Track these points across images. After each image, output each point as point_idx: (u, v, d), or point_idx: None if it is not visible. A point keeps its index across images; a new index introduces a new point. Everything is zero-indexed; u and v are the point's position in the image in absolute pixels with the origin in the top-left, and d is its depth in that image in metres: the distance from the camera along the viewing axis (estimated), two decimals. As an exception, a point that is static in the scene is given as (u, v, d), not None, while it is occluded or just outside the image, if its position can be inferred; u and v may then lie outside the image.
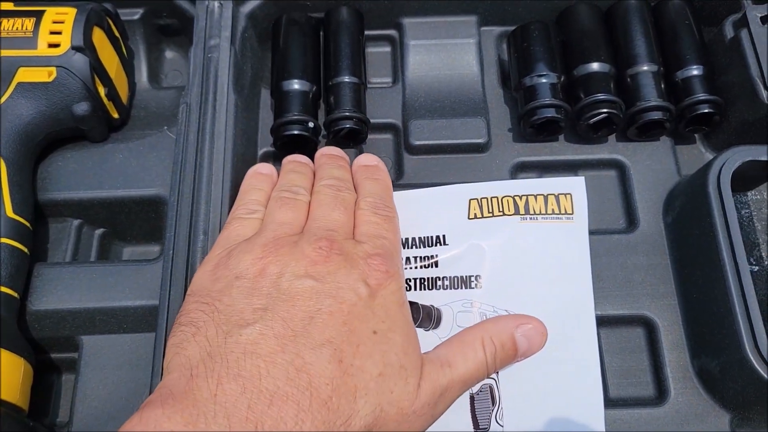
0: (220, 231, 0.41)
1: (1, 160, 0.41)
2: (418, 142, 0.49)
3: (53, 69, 0.42)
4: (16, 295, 0.39)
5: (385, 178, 0.42)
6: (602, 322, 0.44)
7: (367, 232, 0.37)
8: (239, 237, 0.37)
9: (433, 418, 0.33)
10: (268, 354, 0.30)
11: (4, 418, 0.34)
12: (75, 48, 0.42)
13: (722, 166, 0.42)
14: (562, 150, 0.49)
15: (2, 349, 0.36)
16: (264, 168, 0.43)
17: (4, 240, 0.39)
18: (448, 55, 0.52)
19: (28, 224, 0.41)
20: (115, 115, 0.47)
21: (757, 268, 0.48)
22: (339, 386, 0.29)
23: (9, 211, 0.40)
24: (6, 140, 0.42)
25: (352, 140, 0.49)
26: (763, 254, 0.48)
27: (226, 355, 0.29)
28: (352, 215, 0.39)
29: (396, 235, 0.39)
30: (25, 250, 0.40)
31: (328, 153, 0.44)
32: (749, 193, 0.50)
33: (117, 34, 0.47)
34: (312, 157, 0.49)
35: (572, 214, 0.44)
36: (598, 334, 0.43)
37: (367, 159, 0.44)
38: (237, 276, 0.33)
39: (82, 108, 0.43)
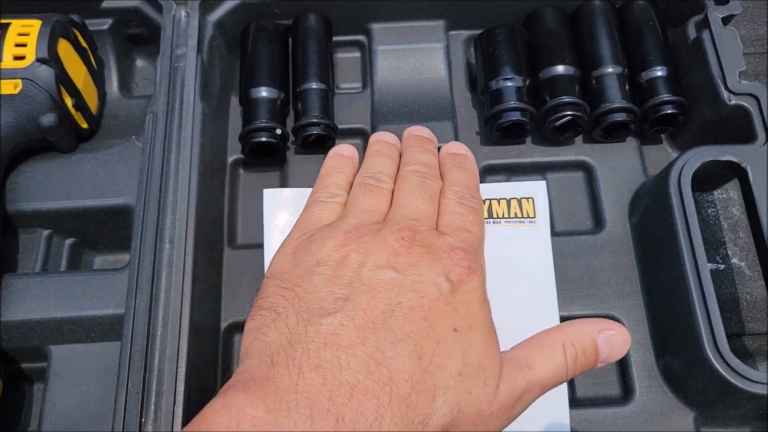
0: (186, 238, 0.41)
1: (-32, 173, 0.41)
2: (386, 147, 0.49)
3: (19, 81, 0.43)
4: (-17, 306, 0.40)
5: (473, 168, 0.41)
6: (569, 322, 0.45)
7: (452, 223, 0.36)
8: (320, 221, 0.37)
9: (509, 420, 0.32)
10: (349, 345, 0.29)
11: (-31, 429, 0.35)
12: (40, 60, 0.43)
13: (683, 167, 0.43)
14: (529, 152, 0.50)
15: (-32, 361, 0.37)
16: (345, 150, 0.43)
17: (-29, 252, 0.39)
18: (416, 60, 0.52)
19: (-6, 235, 0.41)
20: (84, 126, 0.47)
21: (723, 266, 0.48)
22: (418, 383, 0.29)
23: (-25, 223, 0.40)
24: (-27, 153, 0.42)
25: (321, 146, 0.49)
26: (729, 252, 0.48)
27: (307, 344, 0.29)
28: (436, 204, 0.38)
29: (481, 229, 0.37)
30: (-8, 261, 0.41)
31: (417, 134, 0.44)
32: (715, 192, 0.50)
33: (84, 44, 0.47)
34: (281, 163, 0.49)
35: (534, 217, 0.45)
36: (564, 335, 0.44)
37: (455, 147, 0.43)
38: (318, 262, 0.33)
39: (48, 119, 0.44)
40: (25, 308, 0.41)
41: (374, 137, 0.44)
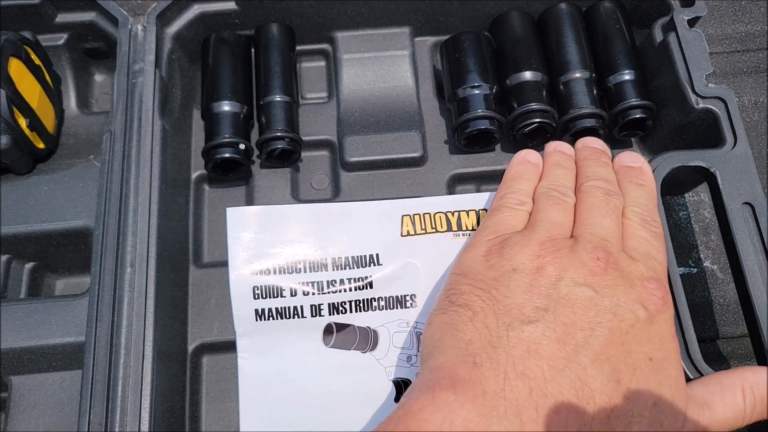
0: (148, 261, 0.40)
1: None
2: (353, 159, 0.48)
3: (-32, 104, 0.41)
4: (-63, 339, 0.38)
5: (651, 184, 0.40)
6: (542, 332, 0.44)
7: (638, 248, 0.36)
8: (510, 227, 0.37)
9: None
10: (551, 357, 0.29)
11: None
12: (-10, 81, 0.41)
13: (653, 173, 0.42)
14: (498, 160, 0.49)
15: None
16: (532, 156, 0.43)
17: None
18: (382, 68, 0.51)
19: (-52, 264, 0.40)
20: (41, 146, 0.46)
21: (695, 269, 0.48)
22: (617, 407, 0.29)
23: (-74, 253, 0.39)
24: None
25: (286, 160, 0.48)
26: (701, 256, 0.48)
27: (510, 349, 0.29)
28: (620, 224, 0.37)
29: (665, 256, 0.37)
30: (-54, 291, 0.39)
31: (591, 146, 0.43)
32: (686, 195, 0.50)
33: (38, 62, 0.46)
34: (247, 178, 0.48)
35: (507, 226, 0.44)
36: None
37: (631, 159, 0.42)
38: (514, 268, 0.33)
39: (2, 142, 0.42)
40: (-18, 339, 0.40)
41: (551, 147, 0.44)
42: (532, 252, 0.34)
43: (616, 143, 0.50)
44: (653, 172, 0.42)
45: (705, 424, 0.32)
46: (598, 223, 0.36)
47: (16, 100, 0.43)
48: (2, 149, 0.42)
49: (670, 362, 0.32)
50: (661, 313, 0.33)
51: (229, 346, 0.44)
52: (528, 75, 0.47)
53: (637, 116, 0.46)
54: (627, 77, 0.47)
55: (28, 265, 0.46)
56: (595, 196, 0.38)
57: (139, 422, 0.37)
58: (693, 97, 0.45)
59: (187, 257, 0.46)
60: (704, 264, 0.48)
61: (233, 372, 0.43)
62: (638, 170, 0.41)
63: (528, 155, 0.43)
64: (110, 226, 0.41)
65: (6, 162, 0.44)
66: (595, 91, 0.48)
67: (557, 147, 0.43)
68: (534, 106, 0.46)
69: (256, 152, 0.48)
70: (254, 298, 0.41)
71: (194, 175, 0.49)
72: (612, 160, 0.42)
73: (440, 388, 0.28)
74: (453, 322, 0.32)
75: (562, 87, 0.48)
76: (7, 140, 0.42)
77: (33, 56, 0.45)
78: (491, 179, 0.49)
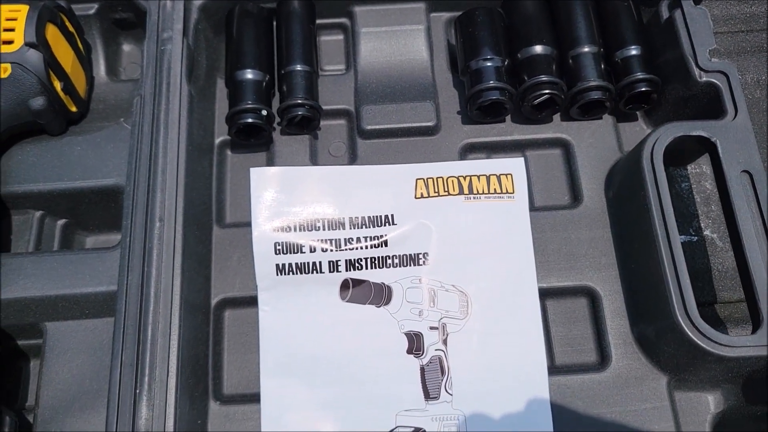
0: (176, 217, 0.42)
1: (-40, 155, 0.42)
2: (369, 127, 0.50)
3: (8, 65, 0.44)
4: (-22, 284, 0.41)
5: None
6: (547, 293, 0.46)
7: None
8: None
9: None
10: None
11: (-31, 402, 0.36)
12: (28, 44, 0.43)
13: (655, 143, 0.44)
14: (508, 131, 0.51)
15: (-34, 337, 0.38)
16: None
17: (-35, 232, 0.40)
18: (398, 42, 0.54)
19: (-12, 216, 0.42)
20: (73, 109, 0.48)
21: (696, 238, 0.50)
22: None
23: (-31, 204, 0.41)
24: (-35, 136, 0.43)
25: (305, 127, 0.50)
26: (701, 225, 0.50)
27: None
28: None
29: None
30: (-13, 241, 0.42)
31: None
32: (689, 167, 0.52)
33: (71, 29, 0.48)
34: (268, 144, 0.50)
35: (513, 193, 0.46)
36: (544, 305, 0.46)
37: None
38: None
39: (38, 103, 0.44)
40: (20, 287, 0.43)
41: None
42: None
43: (622, 117, 0.52)
44: (655, 142, 0.44)
45: None
46: None
47: (52, 64, 0.45)
48: (39, 110, 0.45)
49: None
50: None
51: (250, 302, 0.46)
52: (538, 49, 0.49)
53: (643, 89, 0.48)
54: (633, 52, 0.49)
55: (60, 222, 0.48)
56: None
57: (168, 365, 0.39)
58: (696, 71, 0.46)
59: (210, 217, 0.48)
60: (704, 233, 0.50)
61: (253, 326, 0.46)
62: None
63: None
64: (140, 183, 0.43)
65: (41, 123, 0.46)
66: (602, 66, 0.50)
67: None
68: (544, 78, 0.48)
69: (277, 119, 0.50)
70: (275, 253, 0.43)
71: (217, 140, 0.51)
72: None
73: None
74: None
75: (571, 61, 0.50)
76: (43, 101, 0.45)
77: (67, 23, 0.48)
78: (501, 149, 0.51)
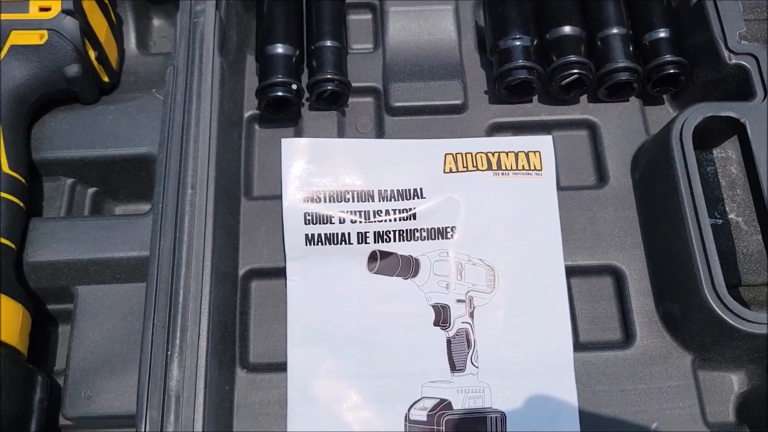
0: (207, 185, 0.43)
1: (-3, 119, 0.43)
2: (398, 104, 0.51)
3: (45, 32, 0.44)
4: (13, 246, 0.41)
5: None
6: (573, 272, 0.46)
7: None
8: None
9: None
10: None
11: (4, 359, 0.36)
12: (65, 11, 0.44)
13: (684, 122, 0.44)
14: (535, 111, 0.52)
15: (2, 295, 0.38)
16: None
17: (1, 194, 0.41)
18: (426, 21, 0.54)
19: (23, 180, 0.43)
20: (105, 79, 0.49)
21: (721, 221, 0.50)
22: None
23: (5, 167, 0.42)
24: (1, 100, 0.43)
25: (334, 103, 0.51)
26: (726, 208, 0.50)
27: None
28: None
29: None
30: (21, 204, 0.42)
31: None
32: (714, 151, 0.52)
33: (105, 0, 0.49)
34: (296, 119, 0.51)
35: (541, 170, 0.47)
36: (569, 283, 0.46)
37: None
38: None
39: (73, 70, 0.45)
40: (53, 250, 0.43)
41: None
42: None
43: (649, 100, 0.52)
44: (685, 122, 0.44)
45: None
46: None
47: (87, 32, 0.46)
48: (74, 77, 0.45)
49: None
50: None
51: (277, 273, 0.46)
52: (567, 29, 0.50)
53: (671, 71, 0.49)
54: (662, 35, 0.50)
55: (91, 190, 0.49)
56: None
57: (198, 329, 0.39)
58: (726, 54, 0.47)
59: (239, 189, 0.49)
60: (729, 216, 0.50)
61: (280, 297, 0.46)
62: None
63: None
64: (173, 151, 0.43)
65: (75, 90, 0.46)
66: (631, 48, 0.50)
67: None
68: (573, 58, 0.48)
69: (306, 95, 0.51)
70: (305, 223, 0.44)
71: (246, 114, 0.52)
72: None
73: None
74: None
75: (599, 42, 0.50)
76: (78, 69, 0.45)
77: (102, -6, 0.48)
78: (528, 129, 0.51)
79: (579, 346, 0.45)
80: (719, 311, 0.40)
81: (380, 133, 0.51)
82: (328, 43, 0.50)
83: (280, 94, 0.48)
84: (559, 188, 0.48)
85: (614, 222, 0.48)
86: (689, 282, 0.42)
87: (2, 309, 0.38)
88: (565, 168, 0.50)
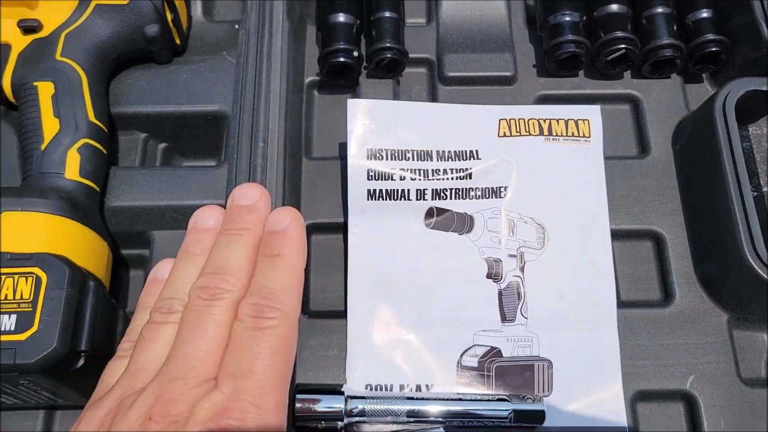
0: (278, 140, 0.45)
1: (83, 73, 0.46)
2: (451, 74, 0.54)
3: (129, -7, 0.47)
4: (97, 188, 0.44)
5: (291, 254, 0.35)
6: (615, 235, 0.49)
7: (230, 365, 0.31)
8: (107, 386, 0.33)
9: None
10: None
11: (93, 290, 0.39)
12: (148, -26, 0.47)
13: (727, 95, 0.47)
14: (581, 85, 0.54)
15: (91, 231, 0.41)
16: (161, 271, 0.38)
17: (88, 140, 0.44)
18: (478, -2, 0.57)
19: (105, 129, 0.46)
20: (178, 41, 0.52)
21: (755, 193, 0.53)
22: None
23: (91, 116, 0.45)
24: (86, 56, 0.46)
25: (391, 71, 0.53)
26: (761, 182, 0.53)
27: None
28: (220, 335, 0.32)
29: (271, 360, 0.31)
30: (104, 150, 0.45)
31: (236, 203, 0.37)
32: (750, 127, 0.54)
33: (179, -35, 0.52)
34: (354, 86, 0.54)
35: (589, 137, 0.49)
36: (611, 245, 0.49)
37: (276, 220, 0.36)
38: None
39: (152, 29, 0.48)
40: (131, 196, 0.46)
41: (191, 221, 0.38)
42: (93, 427, 0.30)
43: (689, 78, 0.55)
44: (728, 94, 0.47)
45: None
46: (179, 352, 0.31)
47: (166, -5, 0.48)
48: (153, 36, 0.48)
49: None
50: None
51: (335, 228, 0.49)
52: (615, 7, 0.52)
53: (713, 50, 0.51)
54: (704, 15, 0.52)
55: (162, 145, 0.52)
56: (193, 306, 0.33)
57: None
58: (766, 33, 0.49)
59: (300, 149, 0.52)
60: (763, 189, 0.53)
61: (338, 251, 0.49)
62: (279, 235, 0.36)
63: (158, 271, 0.38)
64: (246, 108, 0.46)
65: (152, 50, 0.49)
66: (675, 28, 0.53)
67: (196, 221, 0.38)
68: (620, 34, 0.51)
69: (364, 64, 0.53)
70: (367, 179, 0.46)
71: (307, 80, 0.54)
72: None
73: None
74: None
75: (644, 21, 0.53)
76: (157, 29, 0.48)
77: (176, -40, 0.51)
78: (574, 101, 0.54)
79: (621, 303, 0.47)
80: (758, 269, 0.43)
81: (433, 101, 0.53)
82: (387, 14, 0.53)
83: (342, 59, 0.51)
84: (604, 158, 0.51)
85: (655, 190, 0.51)
86: (730, 243, 0.44)
87: (91, 244, 0.41)
88: (608, 139, 0.52)
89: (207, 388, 0.30)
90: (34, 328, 0.36)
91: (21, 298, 0.36)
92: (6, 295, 0.36)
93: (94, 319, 0.38)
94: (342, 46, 0.51)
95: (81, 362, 0.37)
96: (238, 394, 0.29)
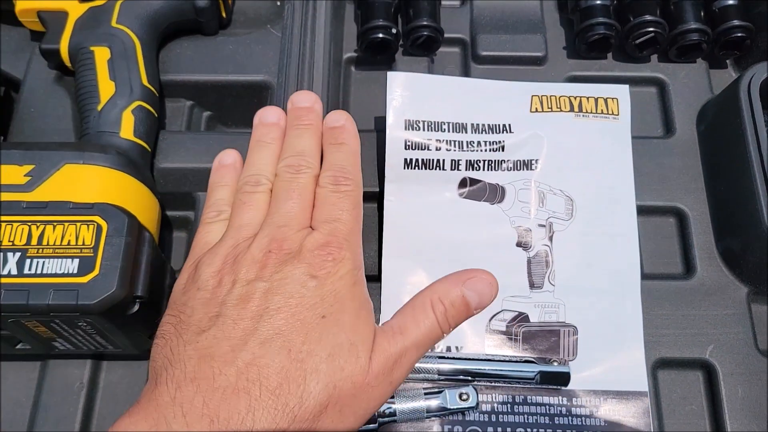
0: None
1: (137, 39, 0.48)
2: (484, 53, 0.56)
3: (181, -36, 0.49)
4: (148, 148, 0.46)
5: (351, 141, 0.43)
6: (639, 211, 0.51)
7: (321, 216, 0.38)
8: (206, 245, 0.39)
9: (392, 384, 0.34)
10: (222, 355, 0.32)
11: (148, 243, 0.41)
12: (200, -53, 0.49)
13: (752, 77, 0.49)
14: (609, 67, 0.56)
15: (144, 186, 0.43)
16: (227, 158, 0.44)
17: (141, 103, 0.46)
18: (511, -18, 0.59)
19: (156, 93, 0.48)
20: (224, 15, 0.54)
21: (775, 176, 0.54)
22: (288, 372, 0.31)
23: (144, 80, 0.47)
24: (139, 23, 0.49)
25: (427, 49, 0.56)
26: (781, 165, 0.55)
27: (185, 361, 0.32)
28: (309, 198, 0.39)
29: (352, 212, 0.39)
30: (155, 113, 0.47)
31: (298, 105, 0.44)
32: None
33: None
34: (389, 63, 0.56)
35: (618, 115, 0.51)
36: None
37: (333, 119, 0.43)
38: (199, 287, 0.35)
39: (203, 1, 0.50)
40: (179, 158, 0.48)
41: (256, 118, 0.44)
42: (214, 269, 0.36)
43: (714, 63, 0.57)
44: (753, 76, 0.49)
45: (397, 350, 0.34)
46: (280, 208, 0.38)
47: (215, -32, 0.51)
48: (202, 8, 0.50)
49: (345, 312, 0.34)
50: (333, 273, 0.35)
51: (370, 197, 0.51)
52: (644, -8, 0.54)
53: (738, 35, 0.53)
54: (731, 2, 0.54)
55: (206, 114, 0.54)
56: (283, 178, 0.40)
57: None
58: (791, 20, 0.51)
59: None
60: (784, 171, 0.55)
61: (371, 218, 0.51)
62: (339, 129, 0.43)
63: (223, 158, 0.44)
64: (290, 77, 0.49)
65: (201, 21, 0.52)
66: (701, 13, 0.54)
67: (261, 118, 0.44)
68: (649, 18, 0.53)
69: (401, 42, 0.55)
70: (405, 149, 0.48)
71: (345, 56, 0.57)
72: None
73: (120, 418, 0.31)
74: (153, 356, 0.34)
75: (672, 6, 0.55)
76: (207, 1, 0.50)
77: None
78: (602, 82, 0.55)
79: (644, 276, 0.49)
80: (779, 242, 0.45)
81: (467, 79, 0.56)
82: (425, -7, 0.55)
83: (381, 36, 0.53)
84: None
85: (679, 169, 0.52)
86: (752, 219, 0.46)
87: (145, 199, 0.43)
88: (635, 120, 0.54)
89: (307, 232, 0.37)
90: (96, 272, 0.38)
91: (83, 243, 0.38)
92: (69, 240, 0.38)
93: (149, 268, 0.40)
94: (381, 23, 0.53)
95: (136, 308, 0.40)
96: (333, 233, 0.37)
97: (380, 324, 0.46)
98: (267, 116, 0.44)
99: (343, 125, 0.43)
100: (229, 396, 0.30)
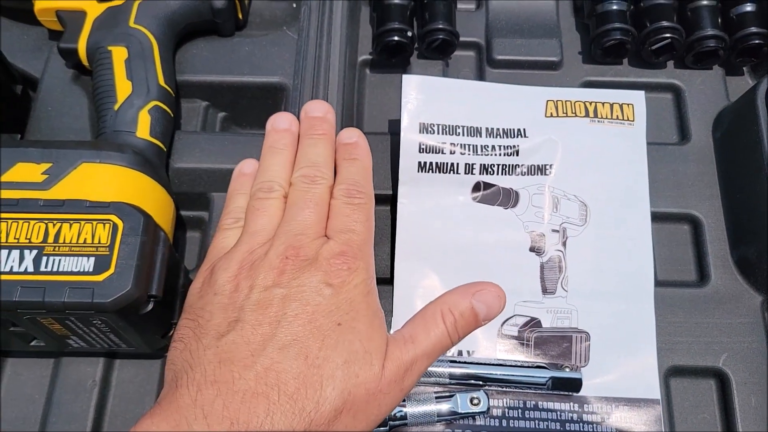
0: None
1: (154, 40, 0.48)
2: (500, 57, 0.56)
3: (199, -34, 0.50)
4: (164, 148, 0.47)
5: (364, 157, 0.44)
6: (654, 218, 0.51)
7: (336, 226, 0.39)
8: (223, 249, 0.40)
9: (402, 391, 0.35)
10: (241, 359, 0.33)
11: (165, 239, 0.42)
12: (218, -52, 0.49)
13: (770, 83, 0.49)
14: (625, 72, 0.56)
15: (159, 185, 0.44)
16: (247, 167, 0.45)
17: (158, 103, 0.46)
18: (527, -14, 0.59)
19: (173, 93, 0.48)
20: (240, 16, 0.54)
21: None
22: (306, 378, 0.32)
23: (161, 80, 0.47)
24: (157, 24, 0.49)
25: (442, 52, 0.56)
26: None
27: (205, 365, 0.33)
28: (324, 208, 0.40)
29: (365, 224, 0.40)
30: (171, 114, 0.48)
31: (311, 115, 0.45)
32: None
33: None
34: (404, 66, 0.56)
35: (633, 121, 0.51)
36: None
37: (347, 135, 0.45)
38: (215, 292, 0.36)
39: (220, 2, 0.50)
40: (194, 158, 0.49)
41: (268, 124, 0.45)
42: (231, 274, 0.37)
43: (731, 70, 0.56)
44: (769, 86, 0.49)
45: (409, 358, 0.35)
46: (296, 217, 0.39)
47: (233, -29, 0.51)
48: (219, 9, 0.51)
49: (360, 320, 0.35)
50: (348, 282, 0.36)
51: (383, 200, 0.51)
52: (661, -2, 0.54)
53: (756, 42, 0.53)
54: (748, 8, 0.54)
55: (221, 114, 0.54)
56: (299, 188, 0.41)
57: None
58: (810, 26, 0.51)
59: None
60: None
61: (385, 221, 0.51)
62: (352, 145, 0.44)
63: (243, 168, 0.45)
64: (306, 79, 0.49)
65: (218, 21, 0.52)
66: (719, 19, 0.54)
67: (273, 124, 0.45)
68: (666, 23, 0.53)
69: (416, 45, 0.55)
70: (419, 151, 0.48)
71: (360, 58, 0.57)
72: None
73: (141, 419, 0.32)
74: (171, 359, 0.35)
75: (689, 12, 0.55)
76: (225, 2, 0.51)
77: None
78: (618, 88, 0.55)
79: (657, 283, 0.49)
80: (795, 251, 0.44)
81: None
82: (475, -3, 0.55)
83: (396, 38, 0.53)
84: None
85: (695, 176, 0.52)
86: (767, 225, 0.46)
87: (161, 198, 0.44)
88: (650, 126, 0.54)
89: (323, 241, 0.38)
90: (111, 271, 0.38)
91: (99, 242, 0.39)
92: (85, 239, 0.39)
93: (163, 267, 0.40)
94: (397, 26, 0.53)
95: (150, 306, 0.40)
96: (348, 243, 0.38)
97: (392, 328, 0.46)
98: (279, 122, 0.45)
99: (356, 141, 0.44)
100: (248, 399, 0.31)
